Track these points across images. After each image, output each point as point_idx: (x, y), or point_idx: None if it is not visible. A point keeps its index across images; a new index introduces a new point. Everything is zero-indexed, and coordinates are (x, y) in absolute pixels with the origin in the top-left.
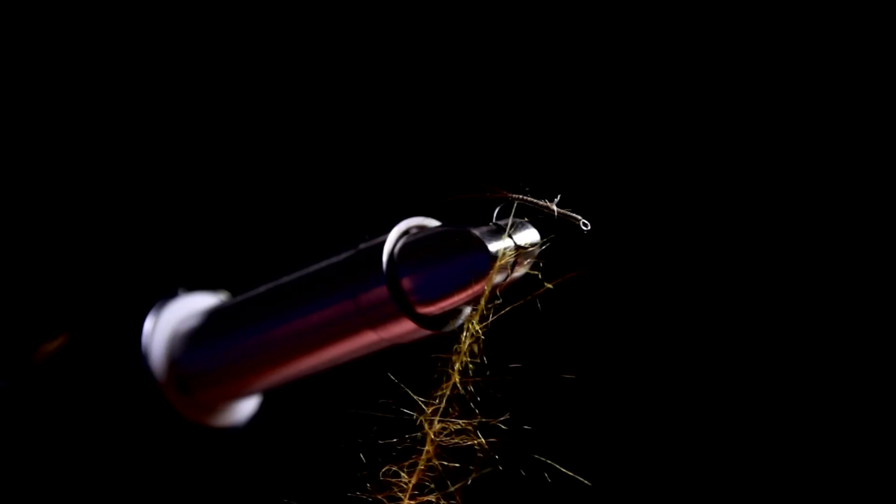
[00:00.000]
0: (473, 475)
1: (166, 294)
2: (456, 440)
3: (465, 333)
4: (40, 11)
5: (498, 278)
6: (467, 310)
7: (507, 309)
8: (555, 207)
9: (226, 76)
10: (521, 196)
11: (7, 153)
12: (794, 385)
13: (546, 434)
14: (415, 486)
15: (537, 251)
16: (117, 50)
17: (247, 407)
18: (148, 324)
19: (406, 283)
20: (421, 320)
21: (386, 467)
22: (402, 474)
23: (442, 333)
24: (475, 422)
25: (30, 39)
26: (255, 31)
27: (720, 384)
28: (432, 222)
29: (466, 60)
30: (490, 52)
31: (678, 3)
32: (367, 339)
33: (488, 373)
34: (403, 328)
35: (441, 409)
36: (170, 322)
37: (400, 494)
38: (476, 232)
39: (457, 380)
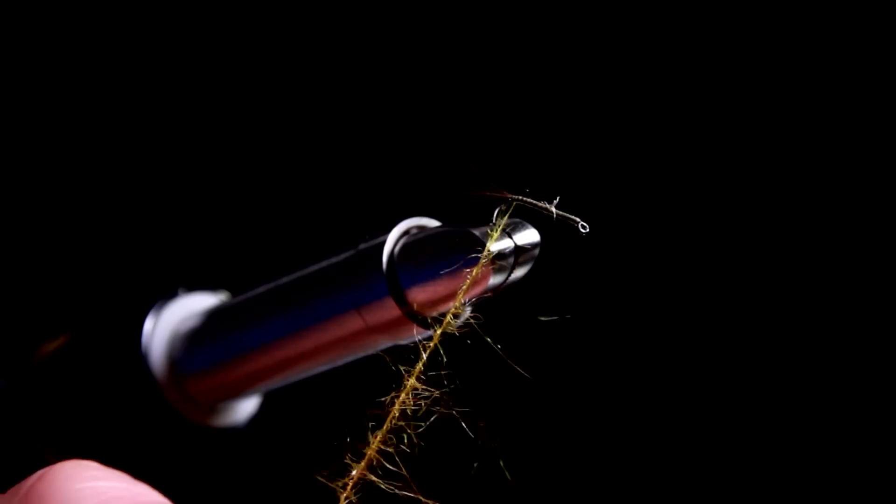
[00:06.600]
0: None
1: (166, 294)
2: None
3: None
4: (40, 11)
5: (497, 279)
6: (468, 310)
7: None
8: (553, 209)
9: (226, 77)
10: (520, 197)
11: (7, 153)
12: (792, 385)
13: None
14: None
15: (537, 251)
16: (117, 50)
17: (247, 407)
18: (148, 324)
19: (406, 282)
20: (420, 320)
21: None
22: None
23: (441, 334)
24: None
25: (30, 39)
26: (254, 32)
27: (719, 385)
28: (432, 222)
29: (466, 61)
30: (490, 52)
31: (678, 3)
32: (367, 339)
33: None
34: (403, 328)
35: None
36: (170, 322)
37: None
38: (476, 232)
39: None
